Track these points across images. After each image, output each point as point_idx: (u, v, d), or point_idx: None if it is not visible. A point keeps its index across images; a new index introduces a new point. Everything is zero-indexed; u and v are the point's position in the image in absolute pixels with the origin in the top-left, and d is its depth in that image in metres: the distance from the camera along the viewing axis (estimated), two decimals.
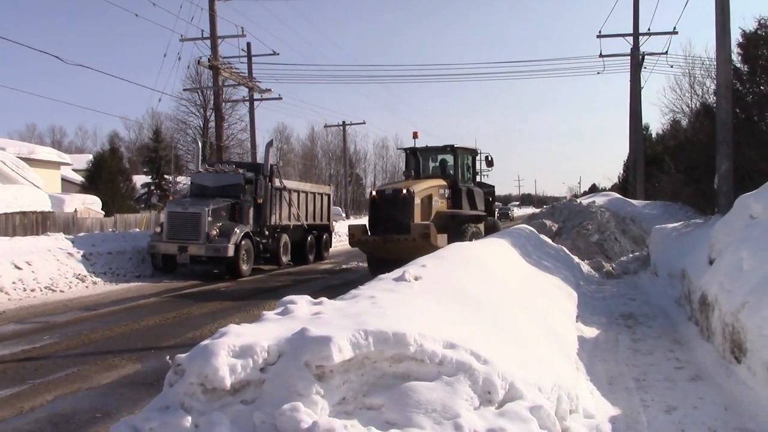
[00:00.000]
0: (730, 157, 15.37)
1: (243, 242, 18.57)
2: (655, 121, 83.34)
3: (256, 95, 36.83)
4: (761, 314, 6.22)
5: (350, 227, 18.42)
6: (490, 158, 20.12)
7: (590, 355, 8.30)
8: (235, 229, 18.55)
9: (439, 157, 20.24)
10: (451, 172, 19.87)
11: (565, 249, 18.33)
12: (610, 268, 18.32)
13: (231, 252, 18.22)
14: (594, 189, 78.62)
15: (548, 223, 23.75)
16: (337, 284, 15.61)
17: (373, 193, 17.91)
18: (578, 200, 29.94)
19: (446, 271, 7.33)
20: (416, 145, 20.46)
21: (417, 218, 17.01)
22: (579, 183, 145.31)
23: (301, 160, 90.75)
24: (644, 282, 15.73)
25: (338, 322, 4.54)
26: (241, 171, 20.31)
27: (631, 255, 20.43)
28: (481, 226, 18.85)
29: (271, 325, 4.65)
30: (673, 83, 43.96)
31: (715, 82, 17.91)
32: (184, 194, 27.66)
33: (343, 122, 59.76)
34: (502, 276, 8.95)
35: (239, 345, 4.10)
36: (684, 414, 5.96)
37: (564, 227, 23.70)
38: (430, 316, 5.19)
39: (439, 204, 18.16)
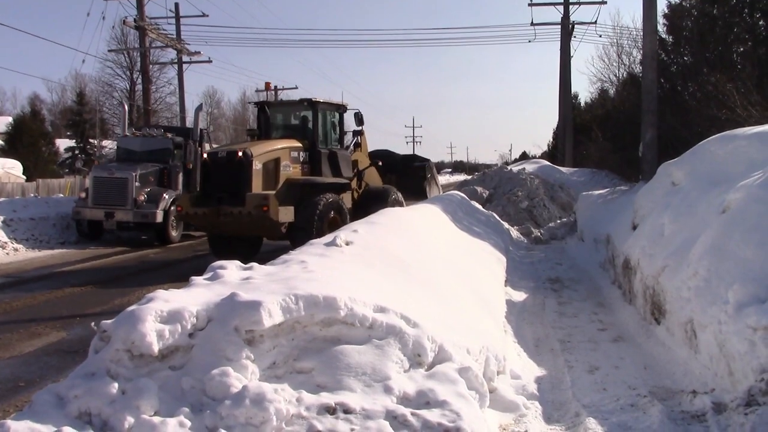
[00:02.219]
0: (654, 126, 15.82)
1: (172, 208, 18.22)
2: (584, 90, 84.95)
3: (185, 58, 35.96)
4: (680, 277, 6.45)
5: (178, 197, 15.77)
6: (360, 116, 16.69)
7: (518, 318, 8.50)
8: (164, 195, 18.23)
9: (301, 114, 16.69)
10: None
11: (495, 215, 18.54)
12: (539, 234, 18.66)
13: (159, 218, 17.89)
14: (524, 156, 79.74)
15: (479, 189, 24.00)
16: (269, 250, 15.49)
17: (205, 155, 14.81)
18: (509, 167, 30.29)
19: (378, 236, 7.35)
20: (269, 99, 17.58)
21: (257, 187, 13.95)
22: (510, 151, 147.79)
23: (233, 124, 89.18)
24: (571, 247, 16.11)
25: (268, 287, 4.52)
26: (169, 135, 19.84)
27: (559, 221, 20.86)
28: (347, 196, 15.90)
29: (200, 290, 4.60)
30: (601, 53, 44.98)
31: (641, 52, 18.30)
32: (110, 159, 26.98)
33: (275, 87, 58.96)
34: (433, 241, 9.03)
35: (167, 310, 4.05)
36: (606, 373, 6.18)
37: (495, 194, 24.00)
38: (361, 281, 5.21)
39: (291, 170, 14.91)
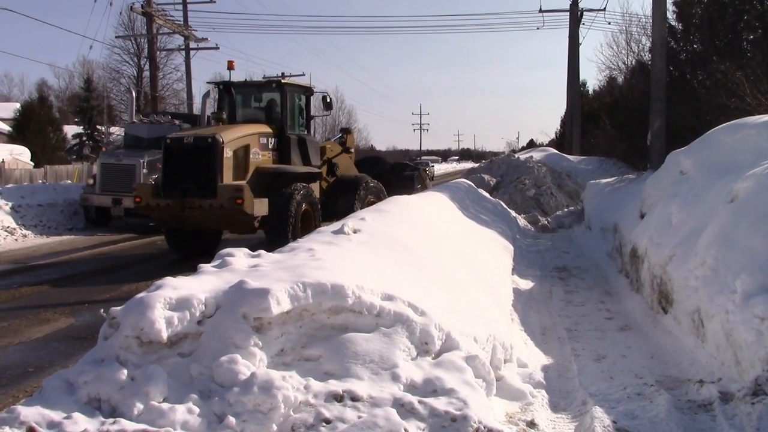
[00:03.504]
0: (663, 114, 15.76)
1: None
2: (593, 78, 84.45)
3: (192, 44, 35.86)
4: (687, 266, 6.44)
5: (137, 186, 13.98)
6: (328, 99, 15.73)
7: (525, 307, 8.49)
8: None
9: (266, 97, 15.51)
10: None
11: (502, 203, 18.58)
12: (546, 222, 18.64)
13: None
14: (532, 144, 79.56)
15: (486, 177, 24.00)
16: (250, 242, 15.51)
17: (168, 140, 13.36)
18: (516, 155, 30.33)
19: (385, 224, 7.36)
20: (232, 79, 16.20)
21: (227, 177, 12.91)
22: (517, 138, 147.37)
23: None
24: (578, 236, 16.09)
25: (276, 275, 4.53)
26: (177, 122, 19.84)
27: (566, 209, 20.81)
28: (316, 187, 14.90)
29: (208, 277, 4.62)
30: (610, 40, 44.63)
31: (650, 39, 18.19)
32: (117, 145, 26.88)
33: (282, 74, 59.02)
34: (440, 229, 9.04)
35: (176, 298, 4.07)
36: (612, 362, 6.18)
37: (502, 182, 23.98)
38: (369, 269, 5.22)
39: (261, 158, 13.87)
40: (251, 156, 13.54)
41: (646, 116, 16.44)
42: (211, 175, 12.69)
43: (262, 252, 5.45)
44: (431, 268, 6.45)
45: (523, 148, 75.30)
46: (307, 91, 15.84)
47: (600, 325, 7.67)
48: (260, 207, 12.86)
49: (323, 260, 5.08)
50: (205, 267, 4.95)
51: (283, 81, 15.17)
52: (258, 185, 13.26)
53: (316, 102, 16.62)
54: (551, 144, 50.74)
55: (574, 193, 23.63)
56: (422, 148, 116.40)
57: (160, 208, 13.01)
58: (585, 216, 17.18)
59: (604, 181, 18.46)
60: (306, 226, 12.76)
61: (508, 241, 12.20)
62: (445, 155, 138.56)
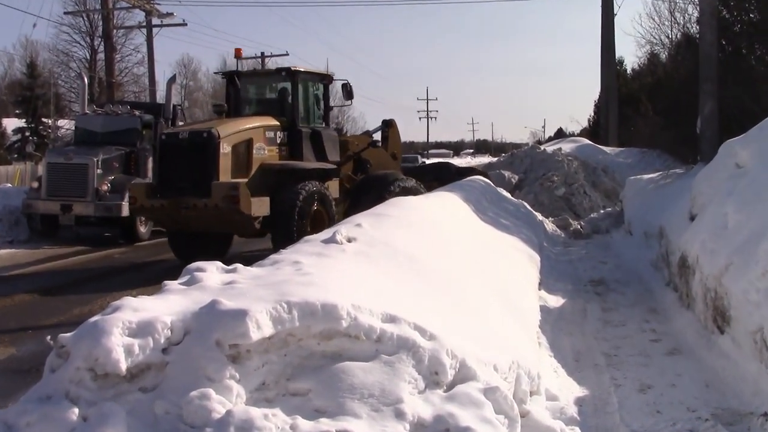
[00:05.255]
0: (714, 97, 15.75)
1: None
2: (631, 55, 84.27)
3: (155, 21, 35.98)
4: (747, 277, 6.42)
5: (131, 187, 15.35)
6: (349, 87, 16.45)
7: (554, 328, 8.50)
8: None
9: (278, 87, 16.42)
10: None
11: (526, 204, 18.61)
12: (578, 227, 18.71)
13: (126, 211, 17.66)
14: (560, 134, 79.52)
15: (507, 174, 24.08)
16: (258, 248, 15.55)
17: (162, 136, 14.52)
18: (542, 147, 30.40)
19: (386, 231, 7.35)
20: (240, 69, 17.52)
21: (225, 174, 13.59)
22: (543, 127, 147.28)
23: (212, 99, 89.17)
24: (617, 242, 16.14)
25: (256, 293, 4.51)
26: (137, 113, 19.91)
27: (602, 211, 20.91)
28: (333, 185, 15.74)
29: (175, 297, 4.60)
30: (650, 10, 44.46)
31: (698, 8, 18.18)
32: (67, 141, 26.99)
33: (262, 54, 58.85)
34: (452, 236, 9.05)
35: (136, 321, 4.04)
36: (660, 393, 6.18)
37: (525, 179, 24.07)
38: (367, 285, 5.21)
39: (266, 153, 14.62)
40: (255, 151, 14.30)
41: (695, 99, 16.43)
42: (206, 173, 13.43)
43: (239, 266, 5.43)
44: (442, 282, 6.44)
45: (550, 139, 75.28)
46: (324, 78, 16.65)
47: (644, 349, 7.67)
48: (260, 207, 13.50)
49: (312, 275, 5.06)
50: (171, 284, 4.93)
51: (294, 69, 15.79)
52: (263, 183, 14.08)
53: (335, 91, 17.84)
54: (583, 133, 50.82)
55: (611, 192, 23.71)
56: (429, 140, 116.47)
57: (155, 209, 14.03)
58: (625, 218, 17.26)
59: (646, 176, 18.49)
60: (319, 230, 13.05)
61: (534, 250, 12.22)
62: (457, 148, 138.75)
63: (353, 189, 16.40)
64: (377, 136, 18.46)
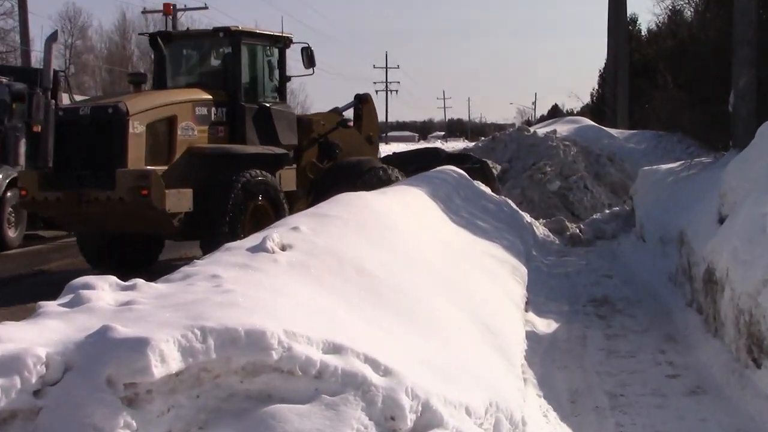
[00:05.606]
0: (752, 66, 15.67)
1: (9, 193, 18.06)
2: (646, 12, 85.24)
3: None
4: None
5: (21, 176, 15.43)
6: (309, 52, 16.61)
7: (545, 360, 8.55)
8: None
9: (217, 52, 16.62)
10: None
11: (510, 202, 18.75)
12: (577, 231, 18.91)
13: None
14: (556, 113, 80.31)
15: (488, 164, 24.13)
16: (171, 258, 15.45)
17: (60, 113, 14.42)
18: (532, 130, 30.42)
19: (332, 236, 7.36)
20: (173, 29, 17.90)
21: (136, 160, 13.51)
22: (534, 104, 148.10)
23: (106, 64, 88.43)
24: (626, 250, 16.30)
25: (161, 316, 4.48)
26: (4, 80, 19.63)
27: (607, 211, 21.07)
28: (288, 175, 16.01)
29: (53, 322, 4.53)
30: None
31: None
32: None
33: (173, 6, 58.38)
34: (416, 243, 9.08)
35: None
36: None
37: (510, 170, 24.22)
38: (305, 305, 5.22)
39: (196, 135, 14.52)
40: (180, 132, 14.30)
41: (727, 69, 16.47)
42: (111, 158, 13.35)
43: (139, 281, 5.37)
44: (401, 302, 6.46)
45: (542, 119, 75.95)
46: (278, 41, 16.48)
47: (659, 387, 7.73)
48: (179, 201, 13.43)
49: (234, 292, 5.03)
50: (48, 306, 4.85)
51: (235, 29, 15.70)
52: (189, 172, 14.12)
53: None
54: (585, 112, 51.27)
55: (619, 186, 23.93)
56: (389, 119, 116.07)
57: (49, 203, 13.89)
58: (636, 220, 17.45)
59: (664, 167, 18.68)
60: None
61: (520, 261, 12.30)
62: (424, 130, 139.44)
63: (318, 180, 16.58)
64: (349, 115, 18.64)
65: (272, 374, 4.38)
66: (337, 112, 18.79)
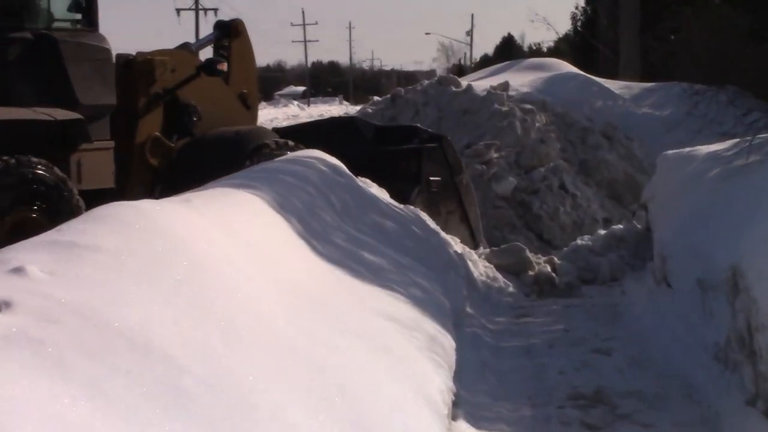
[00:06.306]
0: None
1: None
2: None
3: None
4: None
5: None
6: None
7: None
8: None
9: None
10: None
11: (424, 217, 18.77)
12: (548, 269, 19.00)
13: None
14: (509, 50, 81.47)
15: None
16: None
17: None
18: (465, 83, 31.17)
19: (85, 285, 7.35)
20: None
21: None
22: (469, 35, 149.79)
23: None
24: (636, 303, 16.45)
25: None
26: None
27: (602, 231, 21.30)
28: (100, 158, 16.32)
29: None
30: None
31: None
32: None
33: None
34: (247, 296, 9.07)
35: None
36: None
37: None
38: (35, 422, 5.17)
39: None
40: None
41: None
42: None
43: None
44: (219, 410, 6.47)
45: (484, 62, 77.01)
46: None
47: None
48: None
49: None
50: None
51: None
52: None
53: None
54: (561, 51, 51.88)
55: (622, 185, 24.16)
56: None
57: None
58: (654, 249, 17.59)
59: (704, 150, 18.80)
60: None
61: (443, 325, 12.38)
62: (268, 83, 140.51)
63: (168, 168, 17.25)
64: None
65: None
66: (190, 50, 19.34)
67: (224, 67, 18.52)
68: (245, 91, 19.64)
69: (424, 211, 19.69)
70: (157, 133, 17.17)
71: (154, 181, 16.77)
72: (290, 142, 18.12)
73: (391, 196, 19.30)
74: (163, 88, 17.23)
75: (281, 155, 17.09)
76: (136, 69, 17.22)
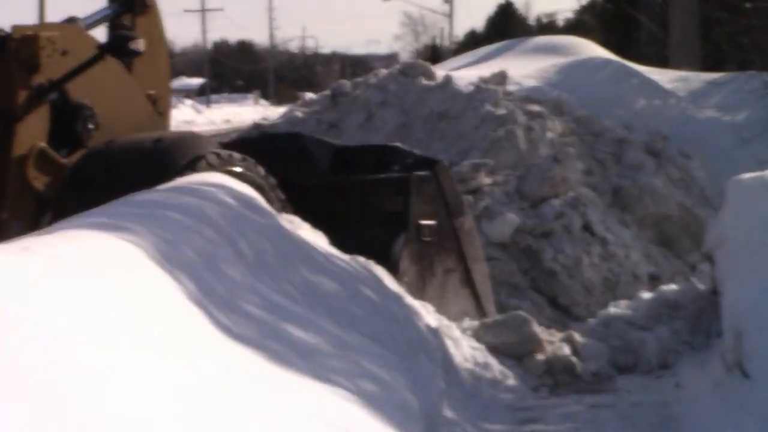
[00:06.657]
0: None
1: None
2: None
3: None
4: None
5: None
6: None
7: None
8: None
9: None
10: None
11: (380, 272, 18.24)
12: (567, 351, 18.48)
13: None
14: (503, 25, 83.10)
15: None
16: None
17: None
18: (441, 73, 31.58)
19: None
20: None
21: None
22: (447, 3, 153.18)
23: None
24: (696, 397, 16.08)
25: None
26: None
27: (646, 295, 21.10)
28: None
29: None
30: None
31: None
32: None
33: None
34: (102, 410, 8.04)
35: None
36: None
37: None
38: None
39: None
40: None
41: None
42: None
43: None
44: None
45: (471, 42, 78.62)
46: None
47: None
48: None
49: None
50: None
51: None
52: None
53: None
54: (585, 27, 52.59)
55: (675, 225, 23.88)
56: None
57: None
58: (723, 321, 17.10)
59: None
60: None
61: None
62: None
63: (60, 194, 16.93)
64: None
65: None
66: (78, 25, 18.84)
67: (140, 45, 17.90)
68: (153, 92, 19.52)
69: (411, 269, 19.70)
70: (42, 144, 16.74)
71: (39, 209, 16.40)
72: (235, 155, 17.84)
73: (363, 249, 19.05)
74: (49, 78, 16.71)
75: (226, 172, 17.05)
76: (11, 50, 16.65)
